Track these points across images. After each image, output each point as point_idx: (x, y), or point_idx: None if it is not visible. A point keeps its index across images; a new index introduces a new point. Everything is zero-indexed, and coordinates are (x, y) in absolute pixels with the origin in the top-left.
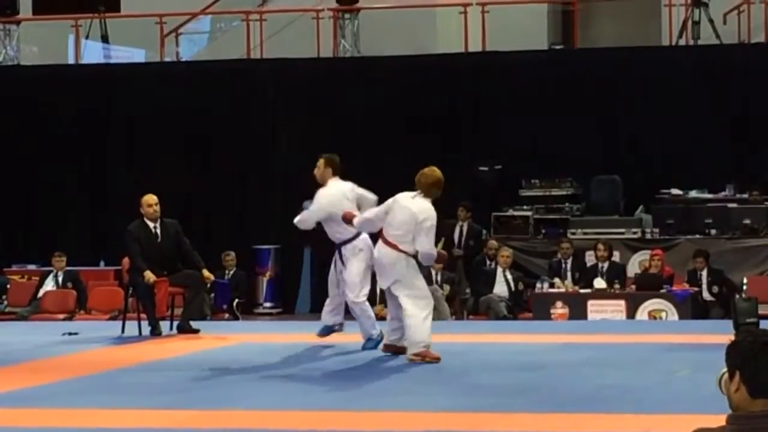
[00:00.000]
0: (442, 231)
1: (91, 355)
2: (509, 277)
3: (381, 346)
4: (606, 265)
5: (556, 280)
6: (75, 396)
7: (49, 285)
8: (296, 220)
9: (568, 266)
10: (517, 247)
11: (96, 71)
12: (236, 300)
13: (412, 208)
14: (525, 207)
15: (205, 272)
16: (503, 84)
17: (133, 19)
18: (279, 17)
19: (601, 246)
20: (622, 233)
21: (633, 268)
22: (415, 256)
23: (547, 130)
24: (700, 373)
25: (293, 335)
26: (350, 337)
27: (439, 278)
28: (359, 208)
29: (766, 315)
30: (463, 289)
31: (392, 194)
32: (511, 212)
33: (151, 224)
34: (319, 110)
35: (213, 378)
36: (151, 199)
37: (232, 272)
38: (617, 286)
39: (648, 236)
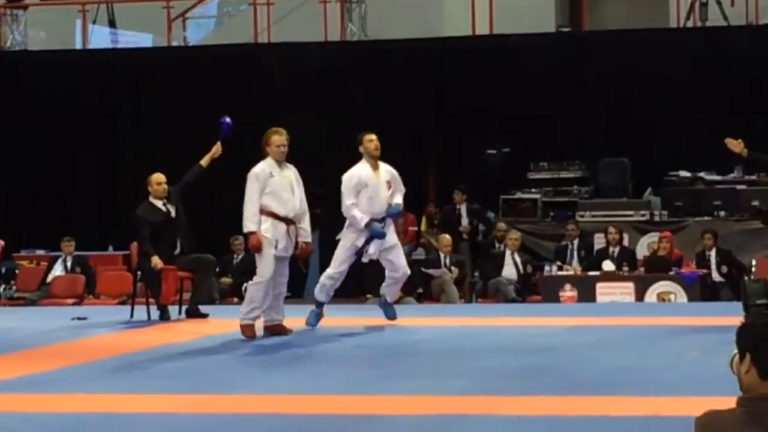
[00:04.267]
0: (445, 217)
1: (100, 340)
2: (518, 260)
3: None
4: (617, 249)
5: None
6: (84, 381)
7: (57, 270)
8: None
9: (575, 248)
10: (526, 230)
11: (103, 56)
12: (245, 284)
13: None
14: (533, 190)
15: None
16: (510, 66)
17: (140, 3)
18: (286, 1)
19: (612, 229)
20: (631, 215)
21: (641, 251)
22: None
23: (554, 112)
24: (709, 355)
25: (302, 319)
26: (362, 321)
27: (447, 261)
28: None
29: None
30: (469, 272)
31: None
32: (519, 195)
33: (158, 203)
34: (327, 94)
35: (222, 362)
36: (159, 177)
37: (240, 256)
38: (626, 268)
39: (656, 218)
